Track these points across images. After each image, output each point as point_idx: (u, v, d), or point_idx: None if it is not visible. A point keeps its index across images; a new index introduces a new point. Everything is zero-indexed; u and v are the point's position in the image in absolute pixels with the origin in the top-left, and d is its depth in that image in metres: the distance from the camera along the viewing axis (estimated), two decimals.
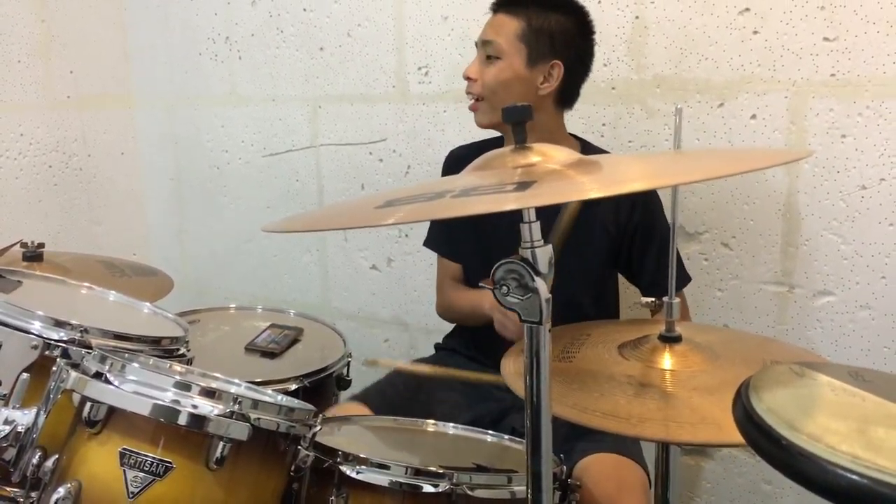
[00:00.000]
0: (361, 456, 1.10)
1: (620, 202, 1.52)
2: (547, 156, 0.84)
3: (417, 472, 1.08)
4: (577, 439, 1.39)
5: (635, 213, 1.52)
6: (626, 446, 1.41)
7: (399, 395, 1.59)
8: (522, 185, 0.74)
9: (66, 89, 2.41)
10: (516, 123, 0.88)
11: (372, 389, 1.62)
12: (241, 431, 1.01)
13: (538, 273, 0.79)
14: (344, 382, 1.66)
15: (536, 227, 0.80)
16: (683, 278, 1.58)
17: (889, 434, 0.57)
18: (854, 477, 0.52)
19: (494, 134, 1.62)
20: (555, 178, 0.79)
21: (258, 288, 2.49)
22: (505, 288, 0.80)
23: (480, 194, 0.75)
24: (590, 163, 0.86)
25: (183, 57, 2.48)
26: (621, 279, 1.65)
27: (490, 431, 1.38)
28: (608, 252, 1.55)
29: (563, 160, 0.84)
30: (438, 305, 1.77)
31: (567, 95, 1.52)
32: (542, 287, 0.79)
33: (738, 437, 0.66)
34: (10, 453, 1.09)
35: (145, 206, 2.70)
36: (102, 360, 1.05)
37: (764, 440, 0.59)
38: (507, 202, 0.73)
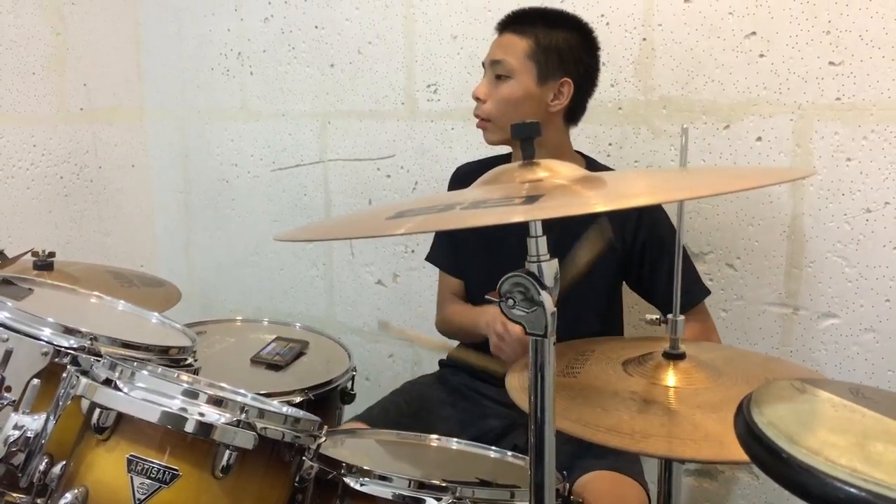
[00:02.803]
0: (365, 468, 1.11)
1: (626, 219, 1.53)
2: (554, 171, 0.86)
3: (421, 486, 1.08)
4: (577, 457, 1.39)
5: (641, 229, 1.53)
6: (627, 465, 1.41)
7: (401, 414, 1.59)
8: (530, 199, 0.76)
9: (79, 101, 2.45)
10: (525, 139, 0.89)
11: (374, 408, 1.63)
12: (247, 440, 1.02)
13: (544, 287, 0.81)
14: (348, 396, 1.66)
15: (543, 241, 0.82)
16: (700, 291, 1.56)
17: (887, 449, 0.58)
18: (852, 490, 0.53)
19: (501, 150, 1.64)
20: (562, 192, 0.80)
21: (264, 301, 2.51)
22: (511, 301, 0.81)
23: (489, 207, 0.77)
24: (596, 178, 0.87)
25: (195, 71, 2.52)
26: (630, 297, 1.66)
27: (493, 447, 1.39)
28: (614, 270, 1.56)
29: (570, 175, 0.85)
30: (438, 320, 1.78)
31: (575, 112, 1.54)
32: (548, 300, 0.80)
33: (740, 455, 0.67)
34: (19, 458, 1.10)
35: (154, 218, 2.72)
36: (112, 367, 1.07)
37: (764, 453, 0.60)
38: (515, 215, 0.75)
